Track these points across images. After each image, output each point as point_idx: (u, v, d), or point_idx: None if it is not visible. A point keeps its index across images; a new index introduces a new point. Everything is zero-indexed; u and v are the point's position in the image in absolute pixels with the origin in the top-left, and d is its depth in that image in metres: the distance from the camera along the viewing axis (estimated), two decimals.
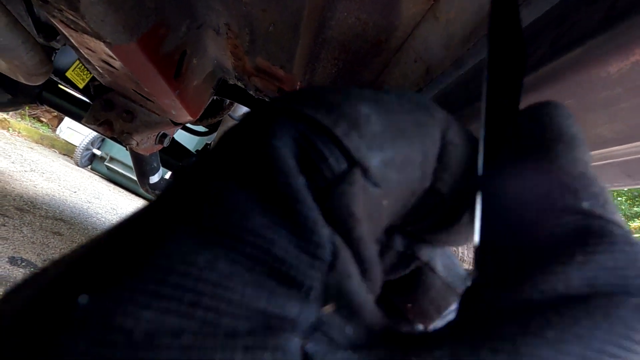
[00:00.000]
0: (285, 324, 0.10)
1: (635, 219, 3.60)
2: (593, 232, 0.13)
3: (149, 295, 0.09)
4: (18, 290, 0.11)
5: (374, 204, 0.13)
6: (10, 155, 3.50)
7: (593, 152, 0.36)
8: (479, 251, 0.15)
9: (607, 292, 0.12)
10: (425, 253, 0.20)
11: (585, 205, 0.13)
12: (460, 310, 0.13)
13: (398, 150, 0.14)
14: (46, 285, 0.10)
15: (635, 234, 3.50)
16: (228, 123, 1.79)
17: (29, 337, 0.09)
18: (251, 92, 0.95)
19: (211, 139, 2.08)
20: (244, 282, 0.10)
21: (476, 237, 0.15)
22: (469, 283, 0.14)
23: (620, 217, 0.14)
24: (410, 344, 0.11)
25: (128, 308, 0.09)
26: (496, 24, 0.19)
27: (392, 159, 0.13)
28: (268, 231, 0.11)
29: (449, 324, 0.12)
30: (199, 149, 2.36)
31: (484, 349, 0.10)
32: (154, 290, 0.10)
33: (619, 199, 3.82)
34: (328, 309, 0.11)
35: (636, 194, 3.77)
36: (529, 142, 0.16)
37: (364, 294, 0.12)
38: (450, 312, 0.21)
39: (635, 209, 3.66)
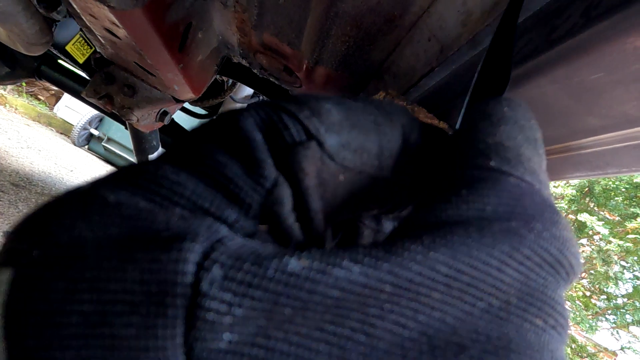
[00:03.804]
0: (217, 226, 0.14)
1: (632, 220, 3.61)
2: (488, 179, 0.17)
3: (133, 180, 0.15)
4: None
5: (331, 174, 0.17)
6: (6, 131, 3.46)
7: (614, 134, 0.35)
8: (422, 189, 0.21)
9: (491, 218, 0.15)
10: None
11: (492, 164, 0.17)
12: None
13: (353, 138, 0.18)
14: None
15: (632, 234, 3.52)
16: (229, 105, 1.77)
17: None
18: (255, 71, 0.93)
19: None
20: (196, 188, 0.15)
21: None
22: None
23: (534, 176, 0.18)
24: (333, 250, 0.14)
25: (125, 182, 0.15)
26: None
27: (347, 143, 0.18)
28: (225, 162, 0.16)
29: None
30: None
31: (393, 251, 0.14)
32: (141, 181, 0.15)
33: (616, 198, 3.83)
34: (263, 227, 0.16)
35: (633, 194, 3.77)
36: (469, 119, 0.20)
37: (292, 223, 0.16)
38: None
39: (632, 209, 3.66)
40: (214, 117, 0.17)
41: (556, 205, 0.17)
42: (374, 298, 0.13)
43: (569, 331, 0.16)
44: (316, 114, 0.17)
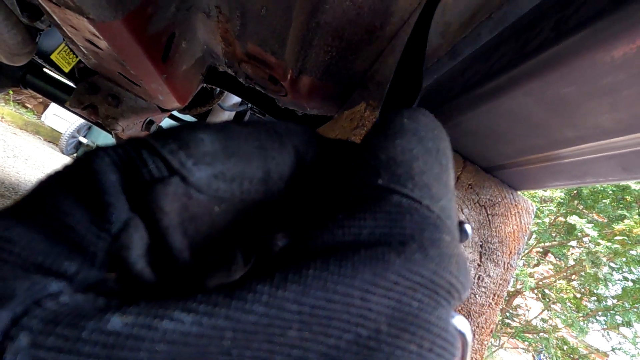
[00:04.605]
0: (50, 281, 0.13)
1: (619, 222, 3.65)
2: (370, 199, 0.16)
3: None
4: None
5: (203, 207, 0.17)
6: None
7: (589, 145, 0.36)
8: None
9: (365, 243, 0.15)
10: None
11: (380, 181, 0.17)
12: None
13: (229, 167, 0.17)
14: None
15: (620, 236, 3.56)
16: (218, 113, 1.76)
17: None
18: (241, 80, 0.92)
19: None
20: (29, 242, 0.14)
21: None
22: None
23: (424, 191, 0.17)
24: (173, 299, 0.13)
25: None
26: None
27: (221, 173, 0.17)
28: (69, 209, 0.15)
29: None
30: None
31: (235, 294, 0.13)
32: None
33: (604, 201, 3.87)
34: (111, 275, 0.15)
35: (620, 197, 3.81)
36: (368, 133, 0.20)
37: (142, 268, 0.15)
38: None
39: (619, 211, 3.70)
40: (74, 160, 0.17)
41: (446, 221, 0.17)
42: (215, 346, 0.12)
43: (456, 350, 0.15)
44: (184, 146, 0.16)
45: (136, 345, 0.12)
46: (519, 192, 0.54)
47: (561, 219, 4.28)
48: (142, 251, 0.15)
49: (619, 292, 4.14)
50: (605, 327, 4.36)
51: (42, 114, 5.58)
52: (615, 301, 4.17)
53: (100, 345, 0.12)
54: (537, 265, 4.81)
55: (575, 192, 4.04)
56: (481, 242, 0.51)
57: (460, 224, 0.19)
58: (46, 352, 0.11)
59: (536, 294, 4.74)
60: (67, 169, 0.16)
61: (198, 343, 0.12)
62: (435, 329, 0.15)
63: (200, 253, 0.17)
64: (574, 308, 4.31)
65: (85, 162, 0.16)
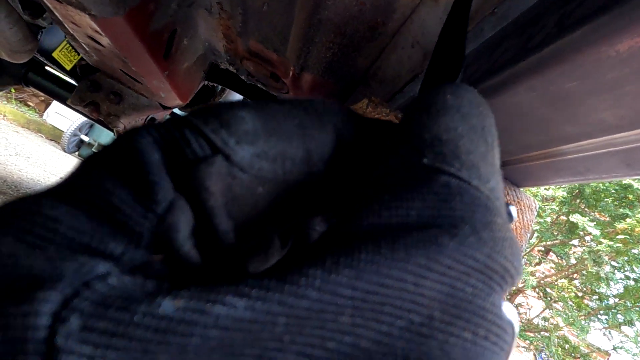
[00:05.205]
0: (97, 262, 0.13)
1: (621, 220, 3.64)
2: (416, 180, 0.16)
3: (4, 218, 0.13)
4: None
5: (246, 188, 0.16)
6: None
7: (592, 141, 0.35)
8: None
9: (414, 225, 0.14)
10: None
11: (425, 161, 0.16)
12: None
13: (271, 146, 0.16)
14: None
15: (622, 234, 3.56)
16: None
17: None
18: (243, 77, 0.92)
19: None
20: (74, 222, 0.13)
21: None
22: None
23: (472, 171, 0.16)
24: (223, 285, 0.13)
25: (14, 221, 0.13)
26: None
27: (264, 152, 0.16)
28: (113, 189, 0.14)
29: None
30: None
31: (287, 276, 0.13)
32: (12, 220, 0.13)
33: (606, 199, 3.86)
34: (157, 257, 0.14)
35: (622, 195, 3.81)
36: (410, 111, 0.19)
37: (189, 249, 0.15)
38: None
39: (621, 210, 3.69)
40: (114, 139, 0.16)
41: (496, 203, 0.16)
42: (268, 332, 0.12)
43: (509, 338, 0.15)
44: (225, 125, 0.16)
45: (189, 330, 0.12)
46: (521, 189, 0.53)
47: (563, 217, 4.28)
48: (189, 232, 0.15)
49: (621, 290, 4.14)
50: (606, 326, 4.36)
51: (44, 112, 5.59)
52: (617, 300, 4.17)
53: (152, 329, 0.11)
54: (538, 263, 4.81)
55: (577, 190, 4.04)
56: None
57: (506, 205, 0.18)
58: (98, 336, 0.11)
59: (537, 293, 4.74)
60: (109, 148, 0.16)
61: (250, 329, 0.12)
62: (489, 315, 0.14)
63: (243, 235, 0.17)
64: (575, 307, 4.31)
65: (128, 141, 0.15)
